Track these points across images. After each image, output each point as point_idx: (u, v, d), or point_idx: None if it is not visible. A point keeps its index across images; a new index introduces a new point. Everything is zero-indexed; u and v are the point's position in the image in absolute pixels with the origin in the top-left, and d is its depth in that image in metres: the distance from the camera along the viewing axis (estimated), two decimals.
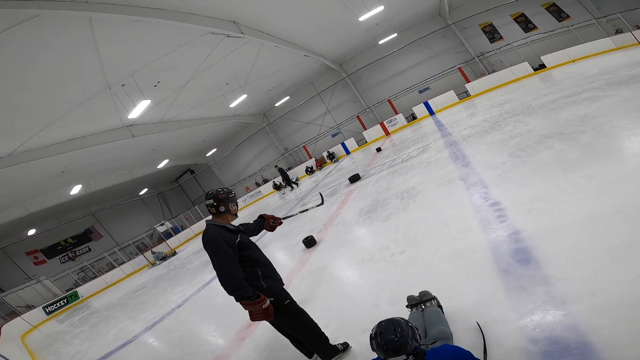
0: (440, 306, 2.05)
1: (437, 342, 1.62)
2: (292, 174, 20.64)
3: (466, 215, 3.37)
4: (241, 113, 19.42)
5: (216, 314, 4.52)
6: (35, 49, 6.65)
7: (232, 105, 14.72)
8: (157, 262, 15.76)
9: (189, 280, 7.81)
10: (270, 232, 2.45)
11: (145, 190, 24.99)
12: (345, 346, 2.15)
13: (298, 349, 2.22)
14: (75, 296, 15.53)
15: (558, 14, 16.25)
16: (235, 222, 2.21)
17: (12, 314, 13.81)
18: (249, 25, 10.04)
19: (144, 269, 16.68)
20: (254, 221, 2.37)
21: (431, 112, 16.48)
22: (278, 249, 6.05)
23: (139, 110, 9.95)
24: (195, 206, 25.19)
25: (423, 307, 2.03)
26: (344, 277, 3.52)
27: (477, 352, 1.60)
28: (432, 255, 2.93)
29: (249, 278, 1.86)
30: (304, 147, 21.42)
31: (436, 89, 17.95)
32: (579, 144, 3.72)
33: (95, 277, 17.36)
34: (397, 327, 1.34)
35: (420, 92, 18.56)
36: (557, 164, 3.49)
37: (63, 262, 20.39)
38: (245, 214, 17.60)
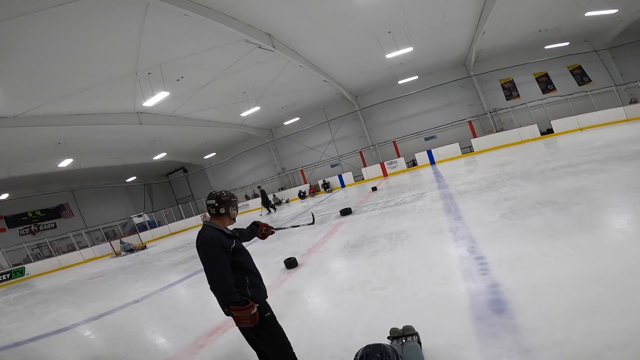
0: (420, 343, 2.09)
1: None
2: (283, 195, 20.67)
3: (450, 264, 3.46)
4: (249, 124, 19.76)
5: (176, 317, 4.32)
6: (84, 22, 6.95)
7: (243, 114, 15.01)
8: (123, 252, 15.17)
9: (153, 278, 7.48)
10: (262, 240, 2.47)
11: (133, 178, 24.63)
12: None
13: None
14: (21, 272, 14.69)
15: (581, 77, 16.38)
16: (230, 227, 2.22)
17: None
18: (282, 40, 10.41)
19: (106, 257, 16.01)
20: (248, 227, 2.40)
21: (432, 162, 16.86)
22: (257, 264, 5.88)
23: (155, 99, 10.18)
24: (179, 205, 24.73)
25: (404, 340, 2.07)
26: (321, 302, 3.48)
27: None
28: (412, 295, 2.98)
29: (236, 285, 1.87)
30: (301, 170, 21.59)
31: (442, 139, 18.18)
32: (570, 215, 3.89)
33: (50, 256, 16.52)
34: (383, 351, 1.43)
35: (426, 139, 18.82)
36: (544, 230, 3.63)
37: (22, 235, 19.48)
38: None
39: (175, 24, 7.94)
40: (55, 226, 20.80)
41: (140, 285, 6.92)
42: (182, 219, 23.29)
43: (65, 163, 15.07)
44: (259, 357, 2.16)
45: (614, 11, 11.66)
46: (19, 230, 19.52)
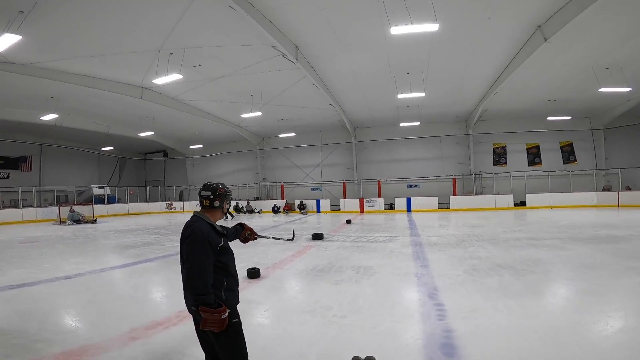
0: None
1: None
2: (257, 205, 20.38)
3: (411, 305, 3.64)
4: (245, 127, 19.77)
5: (111, 302, 3.98)
6: None
7: (244, 116, 15.06)
8: (69, 222, 14.23)
9: (94, 256, 7.00)
10: (242, 243, 2.45)
11: (109, 148, 23.58)
12: None
13: None
14: None
15: (568, 155, 16.99)
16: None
17: None
18: (306, 55, 10.64)
19: (49, 223, 14.88)
20: (233, 227, 2.36)
21: (409, 209, 17.37)
22: None
23: (166, 79, 10.26)
24: (147, 187, 23.72)
25: None
26: (278, 318, 3.40)
27: None
28: (371, 327, 3.02)
29: (212, 285, 1.79)
30: (281, 185, 21.52)
31: (423, 189, 18.71)
32: (524, 280, 4.36)
33: None
34: None
35: (409, 186, 19.25)
36: (500, 289, 4.02)
37: None
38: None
39: (218, 13, 8.07)
40: (8, 177, 19.22)
41: (78, 261, 6.43)
42: (146, 201, 22.25)
43: (49, 117, 14.60)
44: (207, 359, 2.05)
45: (628, 89, 11.75)
46: None
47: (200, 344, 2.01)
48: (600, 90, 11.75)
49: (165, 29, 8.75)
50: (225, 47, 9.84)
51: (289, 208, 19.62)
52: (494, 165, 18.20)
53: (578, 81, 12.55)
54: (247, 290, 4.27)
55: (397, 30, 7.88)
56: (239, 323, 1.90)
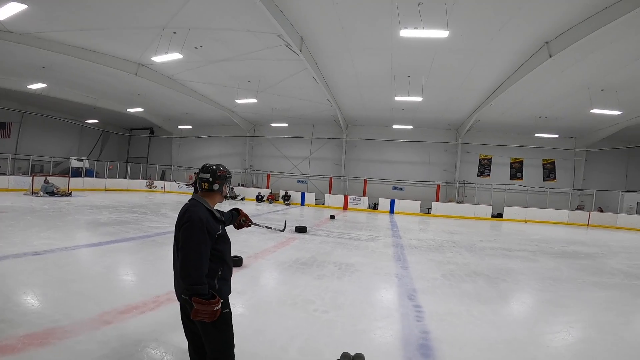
0: None
1: None
2: (241, 192, 20.20)
3: (391, 305, 3.79)
4: (238, 112, 19.40)
5: (81, 282, 3.73)
6: None
7: (238, 101, 14.78)
8: (42, 193, 13.58)
9: (66, 232, 6.70)
10: (236, 229, 2.38)
11: (94, 121, 22.61)
12: None
13: (191, 357, 1.98)
14: None
15: (548, 173, 17.59)
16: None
17: None
18: (310, 47, 10.44)
19: (20, 193, 14.17)
20: (229, 212, 2.26)
21: (392, 211, 17.63)
22: None
23: (165, 58, 10.03)
24: (129, 163, 23.00)
25: None
26: (259, 310, 3.36)
27: None
28: (351, 325, 3.08)
29: (207, 274, 1.72)
30: (268, 174, 21.38)
31: (407, 193, 19.05)
32: (497, 288, 4.70)
33: None
34: None
35: (394, 188, 19.54)
36: (475, 295, 4.24)
37: None
38: (174, 199, 16.34)
39: None
40: None
41: (48, 235, 6.09)
42: (125, 177, 21.57)
43: (37, 86, 14.11)
44: (190, 348, 1.99)
45: (618, 113, 11.80)
46: None
47: (185, 332, 1.96)
48: (591, 111, 11.95)
49: (175, 7, 8.42)
50: (230, 31, 9.57)
51: (272, 198, 19.54)
52: (478, 175, 18.71)
53: (572, 100, 12.72)
54: None
55: (406, 33, 7.86)
56: (230, 313, 1.85)
